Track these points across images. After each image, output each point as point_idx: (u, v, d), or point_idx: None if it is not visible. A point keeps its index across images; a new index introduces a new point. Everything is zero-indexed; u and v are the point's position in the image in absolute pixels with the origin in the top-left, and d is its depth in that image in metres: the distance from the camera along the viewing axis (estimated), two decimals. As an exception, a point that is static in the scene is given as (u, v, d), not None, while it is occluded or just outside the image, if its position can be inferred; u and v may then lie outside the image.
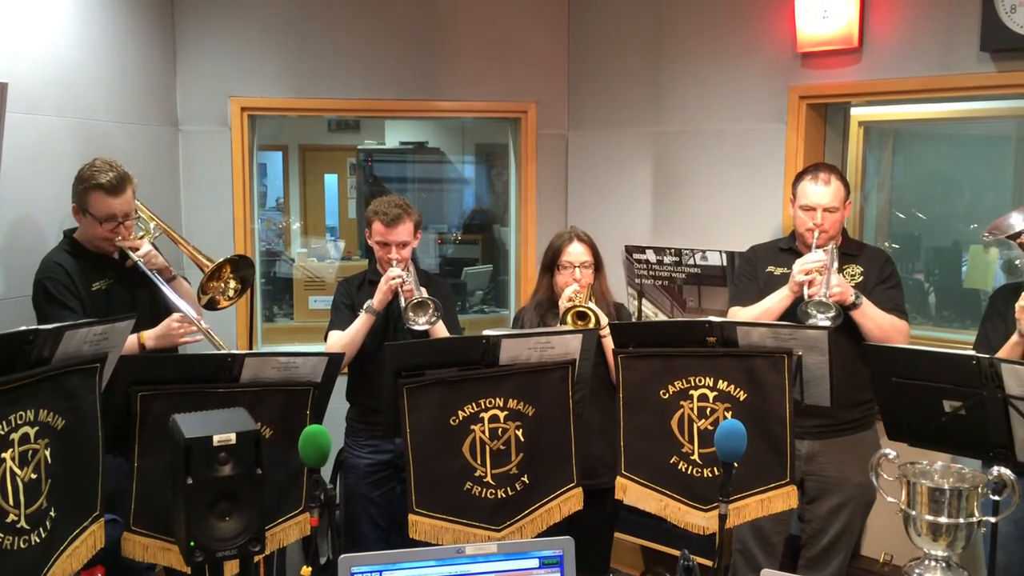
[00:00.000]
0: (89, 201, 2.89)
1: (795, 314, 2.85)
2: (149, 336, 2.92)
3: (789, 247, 3.16)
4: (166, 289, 2.99)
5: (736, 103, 3.83)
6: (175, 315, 2.95)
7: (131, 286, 3.06)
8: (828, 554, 3.08)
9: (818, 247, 2.95)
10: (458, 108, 4.44)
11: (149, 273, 2.98)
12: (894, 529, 2.39)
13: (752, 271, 3.20)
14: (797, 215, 3.07)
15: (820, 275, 2.85)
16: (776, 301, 2.97)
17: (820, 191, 3.00)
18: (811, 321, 2.77)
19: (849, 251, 3.10)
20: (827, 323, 2.74)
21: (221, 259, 3.23)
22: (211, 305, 3.22)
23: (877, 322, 2.89)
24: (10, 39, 2.97)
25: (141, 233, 3.14)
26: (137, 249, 2.99)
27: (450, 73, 4.31)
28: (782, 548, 3.16)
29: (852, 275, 3.03)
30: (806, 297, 2.84)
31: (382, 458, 3.25)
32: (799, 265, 2.90)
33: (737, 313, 3.08)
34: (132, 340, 2.87)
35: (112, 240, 2.96)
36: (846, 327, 2.83)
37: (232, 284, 3.24)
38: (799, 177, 3.10)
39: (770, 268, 3.15)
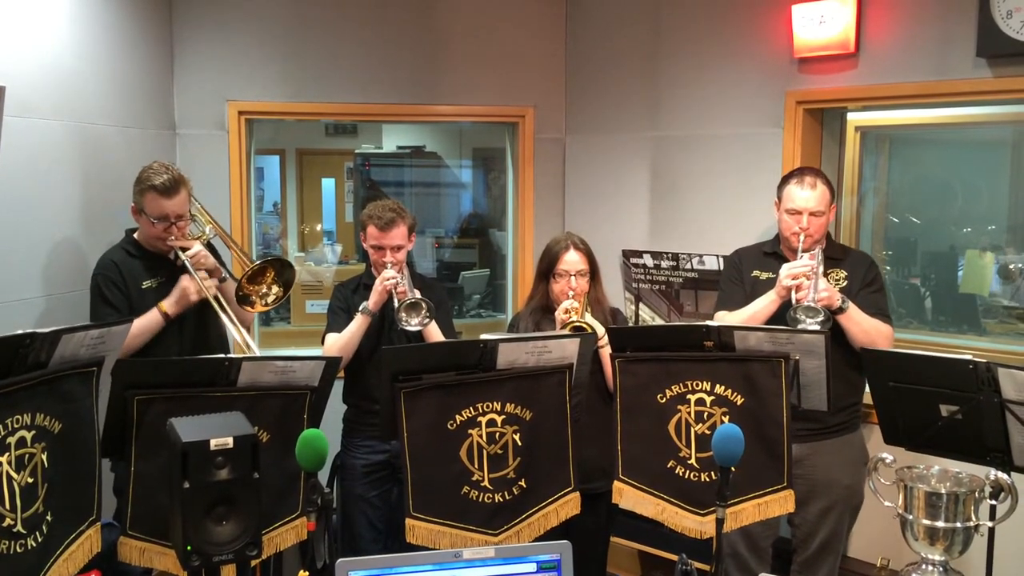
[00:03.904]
0: (145, 202, 2.98)
1: (782, 318, 2.86)
2: (168, 303, 2.99)
3: (773, 251, 3.17)
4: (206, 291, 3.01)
5: (733, 108, 3.83)
6: (184, 276, 3.01)
7: None
8: (819, 558, 3.09)
9: (804, 251, 2.97)
10: (456, 112, 4.45)
11: (193, 273, 3.01)
12: (891, 533, 2.39)
13: (738, 275, 3.21)
14: (783, 219, 3.07)
15: (808, 280, 2.87)
16: (763, 306, 2.99)
17: (806, 195, 3.00)
18: (800, 326, 2.78)
19: (834, 255, 3.11)
20: (816, 327, 2.75)
21: (260, 261, 3.22)
22: (241, 302, 3.21)
23: (862, 326, 2.91)
24: (8, 42, 2.97)
25: (197, 234, 3.18)
26: (187, 249, 3.04)
27: (448, 78, 4.31)
28: (771, 552, 3.17)
29: (837, 279, 3.05)
30: (794, 302, 2.85)
31: (378, 458, 3.25)
32: (787, 270, 2.92)
33: (724, 318, 3.08)
34: (153, 312, 2.98)
35: (166, 240, 3.02)
36: (832, 331, 2.84)
37: (274, 290, 3.22)
38: (784, 181, 3.11)
39: (755, 272, 3.16)
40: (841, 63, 3.47)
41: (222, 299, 3.04)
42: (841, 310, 2.88)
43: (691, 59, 3.95)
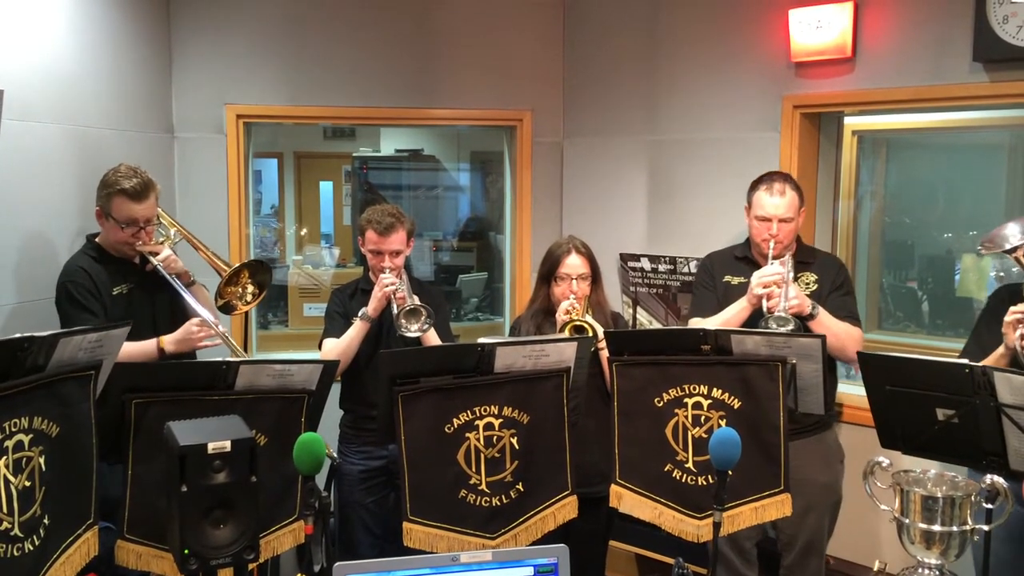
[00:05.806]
0: (112, 206, 2.92)
1: (754, 325, 2.87)
2: (169, 341, 2.94)
3: (744, 255, 3.18)
4: (185, 294, 3.00)
5: (730, 112, 3.84)
6: (194, 319, 2.95)
7: (151, 291, 3.07)
8: (804, 559, 3.10)
9: (774, 258, 2.98)
10: (454, 116, 4.45)
11: (169, 278, 2.99)
12: (887, 537, 2.40)
13: (710, 280, 3.22)
14: (752, 224, 3.09)
15: (778, 288, 2.88)
16: (735, 313, 3.00)
17: (775, 202, 3.01)
18: None
19: (804, 259, 3.13)
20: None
21: (238, 264, 3.25)
22: (227, 310, 3.23)
23: (833, 331, 2.91)
24: (6, 46, 2.98)
25: (161, 239, 3.16)
26: (157, 254, 3.01)
27: (445, 81, 4.31)
28: (755, 552, 3.19)
29: (807, 283, 3.06)
30: (765, 311, 2.87)
31: (375, 464, 3.25)
32: (757, 278, 2.93)
33: (697, 324, 3.09)
34: (151, 344, 2.91)
35: (133, 245, 2.98)
36: None
37: (250, 289, 3.25)
38: (754, 186, 3.11)
39: (727, 277, 3.17)
40: (838, 67, 3.48)
41: (232, 340, 3.02)
42: (811, 316, 2.90)
43: (688, 63, 3.96)
